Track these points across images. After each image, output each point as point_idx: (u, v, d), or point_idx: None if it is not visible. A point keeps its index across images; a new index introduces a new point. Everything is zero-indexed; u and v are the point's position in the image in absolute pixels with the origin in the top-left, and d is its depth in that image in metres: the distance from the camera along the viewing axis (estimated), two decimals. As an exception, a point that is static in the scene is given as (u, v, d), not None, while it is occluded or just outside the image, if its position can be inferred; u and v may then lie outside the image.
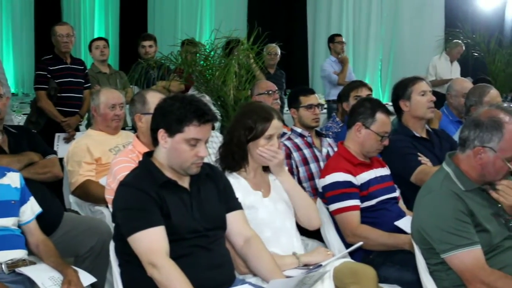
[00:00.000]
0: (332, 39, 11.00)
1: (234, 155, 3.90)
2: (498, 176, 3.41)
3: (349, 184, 4.31)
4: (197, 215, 3.38)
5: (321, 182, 4.46)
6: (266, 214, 3.85)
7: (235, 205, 3.62)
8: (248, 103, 4.72)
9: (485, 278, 3.25)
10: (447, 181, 3.44)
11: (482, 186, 3.45)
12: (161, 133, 3.34)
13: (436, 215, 3.36)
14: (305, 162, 5.32)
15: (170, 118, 3.31)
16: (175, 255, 3.24)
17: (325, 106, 10.20)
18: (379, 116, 4.45)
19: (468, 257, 3.27)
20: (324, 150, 5.45)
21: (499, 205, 3.47)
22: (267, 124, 3.84)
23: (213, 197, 3.51)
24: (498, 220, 3.45)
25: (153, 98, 4.39)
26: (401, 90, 5.07)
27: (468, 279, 3.29)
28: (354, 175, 4.36)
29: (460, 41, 11.79)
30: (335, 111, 9.15)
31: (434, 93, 8.56)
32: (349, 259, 3.94)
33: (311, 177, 5.23)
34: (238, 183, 3.87)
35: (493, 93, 5.84)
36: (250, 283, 3.51)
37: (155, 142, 3.42)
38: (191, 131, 3.29)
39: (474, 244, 3.28)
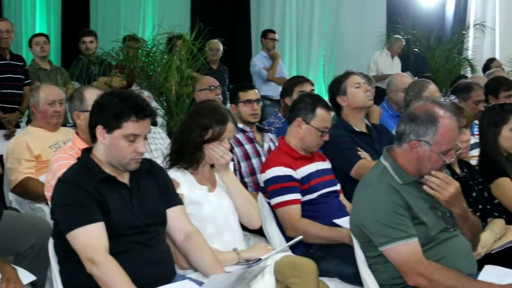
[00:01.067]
0: (265, 35, 11.01)
1: (189, 156, 3.89)
2: (433, 169, 3.45)
3: (289, 178, 4.34)
4: (137, 211, 3.36)
5: (262, 177, 4.48)
6: (210, 210, 3.85)
7: (175, 201, 3.61)
8: (204, 101, 4.71)
9: (422, 270, 3.29)
10: (384, 175, 3.48)
11: (419, 180, 3.49)
12: (99, 129, 3.32)
13: (374, 209, 3.40)
14: (247, 157, 5.34)
15: (108, 114, 3.29)
16: (115, 251, 3.21)
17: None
18: (320, 111, 4.48)
19: (405, 249, 3.31)
20: (266, 145, 5.48)
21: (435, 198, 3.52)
22: (223, 126, 3.86)
23: (153, 192, 3.49)
24: (434, 212, 3.50)
25: (92, 95, 4.36)
26: (336, 86, 5.15)
27: (405, 271, 3.33)
28: (295, 168, 4.38)
29: (400, 37, 11.92)
30: (267, 107, 9.23)
31: (376, 88, 8.68)
32: (289, 253, 3.98)
33: (252, 172, 5.25)
34: (184, 177, 3.86)
35: (432, 88, 5.94)
36: (190, 279, 3.51)
37: (93, 138, 3.39)
38: (129, 126, 3.27)
39: (411, 236, 3.32)
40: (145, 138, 4.97)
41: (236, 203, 3.99)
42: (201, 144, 3.85)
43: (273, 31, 11.28)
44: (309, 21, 14.54)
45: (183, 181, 3.80)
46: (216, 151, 3.85)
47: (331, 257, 4.21)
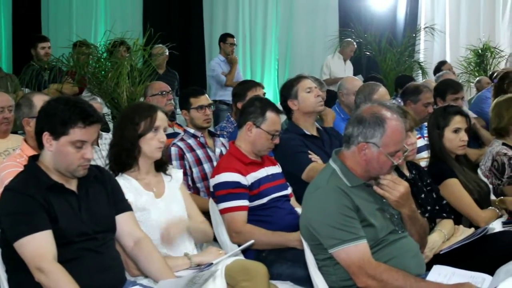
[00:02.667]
0: (224, 39, 10.98)
1: (126, 153, 3.87)
2: (382, 171, 3.49)
3: (237, 184, 4.35)
4: (86, 218, 3.35)
5: (211, 182, 4.48)
6: (158, 215, 3.84)
7: (125, 207, 3.59)
8: (130, 104, 4.72)
9: (370, 271, 3.32)
10: (333, 177, 3.50)
11: (368, 182, 3.53)
12: (46, 136, 3.29)
13: (323, 211, 3.41)
14: (199, 162, 5.34)
15: (54, 121, 3.26)
16: (64, 259, 3.20)
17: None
18: (269, 115, 4.50)
19: (354, 251, 3.34)
20: (218, 150, 5.49)
21: (384, 200, 3.55)
22: (154, 116, 3.86)
23: (101, 199, 3.48)
24: (383, 214, 3.53)
25: (40, 102, 4.30)
26: (287, 90, 5.19)
27: (354, 272, 3.35)
28: (245, 174, 4.39)
29: (352, 41, 12.02)
30: (223, 111, 9.22)
31: (328, 91, 8.74)
32: (241, 257, 3.97)
33: (204, 177, 5.25)
34: (130, 184, 3.84)
35: (382, 91, 6.00)
36: (141, 285, 3.51)
37: (40, 145, 3.36)
38: (76, 133, 3.25)
39: (360, 238, 3.35)
40: (97, 144, 5.02)
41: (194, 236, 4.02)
42: (137, 140, 3.84)
43: (231, 36, 11.25)
44: (262, 25, 14.56)
45: (128, 188, 3.78)
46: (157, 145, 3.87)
47: (283, 260, 4.22)
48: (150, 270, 3.50)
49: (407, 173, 4.27)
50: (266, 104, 4.57)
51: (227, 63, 10.59)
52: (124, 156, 3.88)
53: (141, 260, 3.53)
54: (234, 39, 11.17)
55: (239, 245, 4.16)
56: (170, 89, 6.62)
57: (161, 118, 3.89)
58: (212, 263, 3.62)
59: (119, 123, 4.03)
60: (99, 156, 5.32)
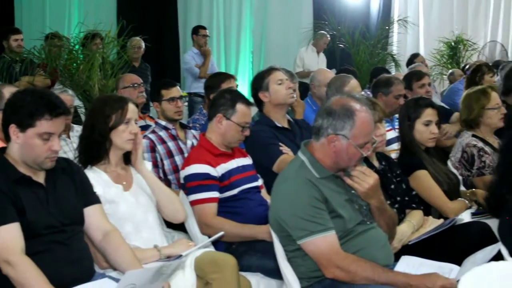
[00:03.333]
0: (196, 31, 10.93)
1: (96, 146, 3.85)
2: (351, 163, 3.51)
3: (207, 176, 4.34)
4: (54, 210, 3.33)
5: (181, 174, 4.48)
6: (127, 208, 3.83)
7: (93, 199, 3.58)
8: (99, 96, 4.70)
9: (339, 262, 3.34)
10: (302, 169, 3.51)
11: (336, 173, 3.54)
12: (13, 128, 3.27)
13: (292, 203, 3.42)
14: (170, 154, 5.33)
15: (21, 113, 3.24)
16: (32, 251, 3.18)
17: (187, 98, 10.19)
18: (240, 107, 4.50)
19: (322, 242, 3.35)
20: (189, 142, 5.49)
21: (353, 191, 3.57)
22: (125, 108, 3.84)
23: (69, 191, 3.46)
24: (352, 205, 3.55)
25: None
26: (259, 82, 5.19)
27: (323, 263, 3.37)
28: (215, 166, 4.38)
29: (325, 33, 12.05)
30: (197, 104, 9.21)
31: (302, 84, 8.75)
32: (211, 249, 3.99)
33: (176, 170, 5.23)
34: (99, 176, 3.83)
35: (353, 83, 6.03)
36: (110, 277, 3.49)
37: (7, 137, 3.33)
38: (43, 125, 3.23)
39: (328, 230, 3.36)
40: (68, 137, 4.99)
41: (157, 197, 3.99)
42: (108, 132, 3.82)
43: (203, 27, 11.21)
44: (237, 18, 14.55)
45: (97, 180, 3.77)
46: (129, 137, 3.86)
47: (253, 252, 4.23)
48: (118, 263, 3.49)
49: (376, 164, 4.30)
50: (236, 96, 4.58)
51: (201, 56, 10.55)
52: (95, 149, 3.86)
53: (109, 253, 3.51)
54: (207, 30, 11.13)
55: (209, 237, 4.16)
56: (141, 81, 6.61)
57: (132, 110, 3.88)
58: (181, 255, 3.61)
59: (90, 116, 4.00)
60: (70, 148, 5.30)
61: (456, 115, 6.41)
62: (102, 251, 3.55)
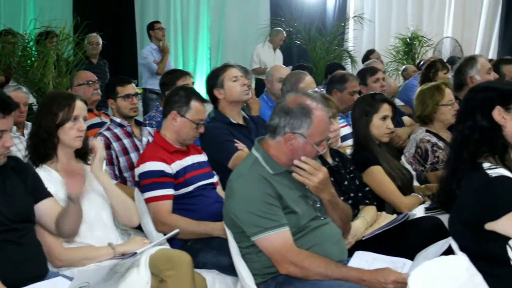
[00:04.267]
0: (152, 27, 10.85)
1: (44, 144, 3.81)
2: None
3: (162, 173, 4.34)
4: (4, 209, 3.31)
5: (136, 171, 4.46)
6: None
7: (45, 194, 3.57)
8: (48, 93, 4.66)
9: (292, 258, 3.35)
10: (255, 165, 3.52)
11: (290, 169, 3.55)
12: None
13: (245, 199, 3.43)
14: (125, 152, 5.32)
15: None
16: (-16, 251, 3.15)
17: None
18: (194, 104, 4.50)
19: (276, 238, 3.36)
20: (144, 140, 5.48)
21: (306, 187, 3.58)
22: (72, 105, 3.81)
23: (19, 190, 3.44)
24: (305, 201, 3.57)
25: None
26: (213, 79, 5.19)
27: (277, 259, 3.38)
28: (170, 163, 4.38)
29: (281, 29, 12.08)
30: (152, 100, 9.17)
31: (259, 80, 8.76)
32: (165, 247, 3.98)
33: (131, 167, 5.20)
34: (50, 175, 3.80)
35: (308, 80, 6.06)
36: (63, 276, 3.47)
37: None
38: None
39: (282, 226, 3.37)
40: (23, 134, 4.94)
41: (114, 205, 3.95)
42: (55, 130, 3.79)
43: (158, 22, 11.18)
44: (194, 14, 14.55)
45: (49, 179, 3.74)
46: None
47: (209, 249, 4.23)
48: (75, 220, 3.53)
49: (330, 161, 4.33)
50: (191, 94, 4.57)
51: (159, 52, 10.51)
52: (42, 147, 3.83)
53: (68, 228, 3.53)
54: (162, 24, 11.08)
55: (164, 234, 4.15)
56: (96, 78, 6.56)
57: (79, 107, 3.85)
58: (136, 253, 3.59)
59: (38, 113, 3.98)
60: (25, 146, 5.24)
61: (406, 119, 6.47)
62: (61, 235, 3.56)
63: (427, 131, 5.32)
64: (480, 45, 15.06)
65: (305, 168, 3.50)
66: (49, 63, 6.44)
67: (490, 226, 2.79)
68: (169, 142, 4.50)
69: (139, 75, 11.96)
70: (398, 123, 6.21)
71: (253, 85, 10.94)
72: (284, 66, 8.09)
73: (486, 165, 2.92)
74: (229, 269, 3.92)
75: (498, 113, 2.97)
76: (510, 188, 2.82)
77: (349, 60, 12.05)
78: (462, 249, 2.98)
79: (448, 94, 5.36)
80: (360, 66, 10.81)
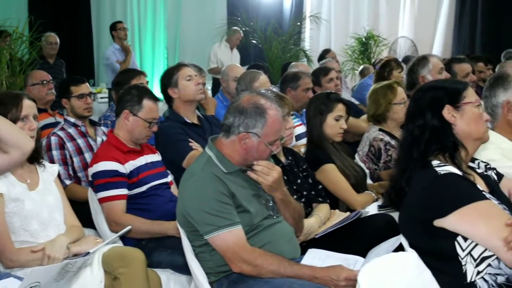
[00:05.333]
0: (114, 27, 10.86)
1: None
2: (259, 159, 3.54)
3: (115, 173, 4.33)
4: None
5: (90, 171, 4.44)
6: (33, 206, 3.76)
7: None
8: None
9: (245, 256, 3.37)
10: (209, 164, 3.52)
11: (244, 168, 3.56)
12: None
13: (198, 198, 3.43)
14: (79, 152, 5.29)
15: None
16: None
17: (107, 95, 10.10)
18: (146, 102, 4.50)
19: (229, 237, 3.37)
20: (99, 139, 5.46)
21: (259, 186, 3.60)
22: (20, 104, 3.78)
23: None
24: (258, 200, 3.58)
25: None
26: (168, 78, 5.19)
27: (230, 258, 3.39)
28: (123, 162, 4.37)
29: (238, 29, 12.09)
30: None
31: (216, 80, 8.73)
32: (118, 244, 3.98)
33: (85, 167, 5.16)
34: (3, 175, 3.76)
35: (263, 79, 6.06)
36: (15, 276, 3.44)
37: None
38: None
39: (235, 224, 3.39)
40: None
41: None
42: None
43: (120, 22, 11.20)
44: (151, 13, 14.49)
45: (1, 179, 3.70)
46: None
47: (163, 248, 4.23)
48: None
49: (283, 160, 4.35)
50: (143, 92, 4.57)
51: (122, 51, 10.47)
52: None
53: None
54: (124, 24, 11.08)
55: (118, 234, 4.14)
56: (51, 78, 6.51)
57: (28, 106, 3.81)
58: (89, 252, 3.59)
59: None
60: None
61: (364, 118, 6.53)
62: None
63: (380, 130, 5.37)
64: (435, 45, 15.22)
65: (259, 169, 3.52)
66: (2, 63, 6.37)
67: (438, 223, 2.81)
68: (122, 141, 4.49)
69: (96, 75, 11.90)
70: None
71: (209, 85, 11.03)
72: (239, 65, 8.07)
73: (435, 162, 2.94)
74: (184, 268, 3.92)
75: (448, 112, 3.01)
76: (458, 185, 2.85)
77: (305, 59, 12.09)
78: (412, 246, 3.01)
79: (401, 92, 5.41)
80: (316, 65, 10.85)
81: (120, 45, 10.58)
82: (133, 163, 4.43)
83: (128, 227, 3.91)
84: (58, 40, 9.78)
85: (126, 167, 4.38)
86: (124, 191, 4.33)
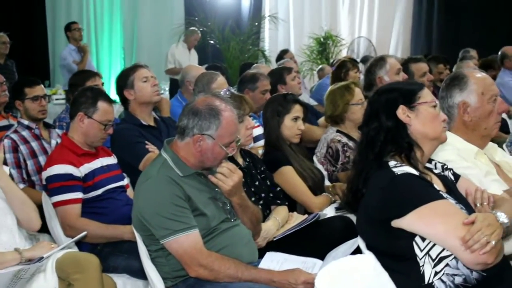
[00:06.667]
0: (69, 28, 10.75)
1: None
2: (215, 162, 3.52)
3: (70, 176, 4.27)
4: None
5: (43, 174, 4.37)
6: None
7: None
8: None
9: (202, 261, 3.34)
10: (164, 167, 3.48)
11: (200, 171, 3.53)
12: None
13: (154, 201, 3.39)
14: (33, 155, 5.22)
15: None
16: None
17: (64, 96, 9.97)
18: (101, 104, 4.45)
19: (186, 241, 3.34)
20: (53, 142, 5.39)
21: (216, 189, 3.57)
22: None
23: None
24: (215, 203, 3.56)
25: None
26: (123, 80, 5.15)
27: (186, 262, 3.36)
28: (78, 166, 4.31)
29: (196, 29, 12.04)
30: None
31: (174, 80, 8.67)
32: (73, 250, 3.93)
33: (40, 170, 5.08)
34: None
35: (220, 80, 6.02)
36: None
37: None
38: None
39: (191, 228, 3.36)
40: None
41: (13, 206, 3.86)
42: None
43: (75, 22, 11.08)
44: (108, 12, 14.38)
45: None
46: None
47: (119, 252, 4.20)
48: None
49: (241, 162, 4.32)
50: (97, 94, 4.52)
51: (79, 52, 10.37)
52: None
53: None
54: (79, 24, 10.96)
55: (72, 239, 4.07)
56: (4, 79, 6.41)
57: None
58: (43, 257, 3.54)
59: None
60: None
61: (322, 120, 6.53)
62: None
63: (338, 131, 5.35)
64: (393, 45, 15.33)
65: (222, 170, 3.50)
66: None
67: (396, 223, 2.81)
68: (77, 144, 4.44)
69: (51, 77, 11.75)
70: (311, 124, 6.26)
71: (167, 86, 10.97)
72: (198, 66, 8.03)
73: (392, 163, 2.94)
74: (140, 273, 3.88)
75: (402, 112, 3.01)
76: (415, 185, 2.85)
77: (263, 60, 12.09)
78: (370, 247, 3.01)
79: (358, 93, 5.40)
80: (274, 66, 10.85)
81: (76, 45, 10.45)
82: (88, 166, 4.37)
83: (84, 233, 3.87)
84: (8, 40, 9.64)
85: (81, 170, 4.32)
86: (79, 195, 4.28)
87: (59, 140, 5.31)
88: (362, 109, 5.29)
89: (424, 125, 3.03)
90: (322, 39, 13.06)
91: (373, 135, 3.03)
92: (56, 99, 9.92)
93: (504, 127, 6.52)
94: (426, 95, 3.09)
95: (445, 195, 2.93)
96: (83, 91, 4.62)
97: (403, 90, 3.10)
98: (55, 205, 4.28)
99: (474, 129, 3.77)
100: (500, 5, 13.90)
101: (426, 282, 2.79)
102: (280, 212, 4.32)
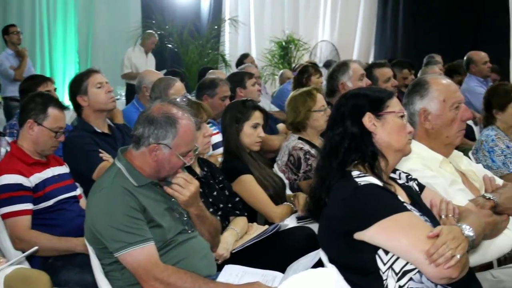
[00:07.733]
0: (6, 31, 10.49)
1: None
2: (172, 171, 3.42)
3: (19, 187, 4.13)
4: None
5: None
6: None
7: None
8: None
9: (158, 274, 3.23)
10: (118, 177, 3.37)
11: (156, 181, 3.43)
12: None
13: (107, 213, 3.27)
14: (-19, 164, 5.03)
15: None
16: None
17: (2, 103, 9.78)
18: (52, 111, 4.33)
19: (141, 254, 3.23)
20: (3, 150, 5.27)
21: (173, 199, 3.47)
22: None
23: None
24: (172, 214, 3.45)
25: None
26: (77, 85, 5.04)
27: (141, 276, 3.25)
28: (28, 175, 4.18)
29: (153, 32, 11.92)
30: (15, 109, 8.82)
31: (131, 86, 8.49)
32: (23, 265, 3.81)
33: (-12, 180, 4.93)
34: None
35: (178, 86, 5.92)
36: None
37: None
38: None
39: (146, 240, 3.25)
40: None
41: None
42: None
43: (13, 25, 10.80)
44: (62, 16, 14.20)
45: None
46: None
47: (71, 266, 4.07)
48: None
49: (198, 171, 4.21)
50: (48, 100, 4.39)
51: (16, 57, 10.12)
52: None
53: None
54: (17, 27, 10.70)
55: (23, 252, 3.96)
56: None
57: None
58: (-9, 273, 3.41)
59: None
60: None
61: (281, 126, 6.44)
62: None
63: (299, 138, 5.25)
64: (356, 49, 15.31)
65: (177, 182, 3.41)
66: None
67: (359, 236, 2.73)
68: (26, 153, 4.30)
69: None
70: (272, 130, 6.16)
71: (123, 91, 10.81)
72: (155, 71, 7.89)
73: (355, 173, 2.86)
74: (94, 287, 3.74)
75: (368, 120, 2.94)
76: (378, 196, 2.78)
77: (223, 64, 12.01)
78: (332, 260, 2.92)
79: (320, 99, 5.31)
80: (234, 70, 10.76)
81: (13, 50, 10.19)
82: (39, 176, 4.23)
83: (35, 248, 3.75)
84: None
85: (31, 180, 4.18)
86: (29, 206, 4.14)
87: (8, 149, 5.15)
88: (324, 116, 5.22)
89: (389, 135, 2.96)
90: (284, 43, 13.03)
91: (337, 140, 2.95)
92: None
93: (470, 134, 6.51)
94: (394, 104, 3.01)
95: (409, 206, 2.86)
96: (32, 97, 4.48)
97: (372, 97, 3.02)
98: (4, 216, 4.13)
99: (436, 137, 3.71)
100: (465, 10, 13.94)
101: (389, 296, 2.71)
102: (239, 223, 4.21)
